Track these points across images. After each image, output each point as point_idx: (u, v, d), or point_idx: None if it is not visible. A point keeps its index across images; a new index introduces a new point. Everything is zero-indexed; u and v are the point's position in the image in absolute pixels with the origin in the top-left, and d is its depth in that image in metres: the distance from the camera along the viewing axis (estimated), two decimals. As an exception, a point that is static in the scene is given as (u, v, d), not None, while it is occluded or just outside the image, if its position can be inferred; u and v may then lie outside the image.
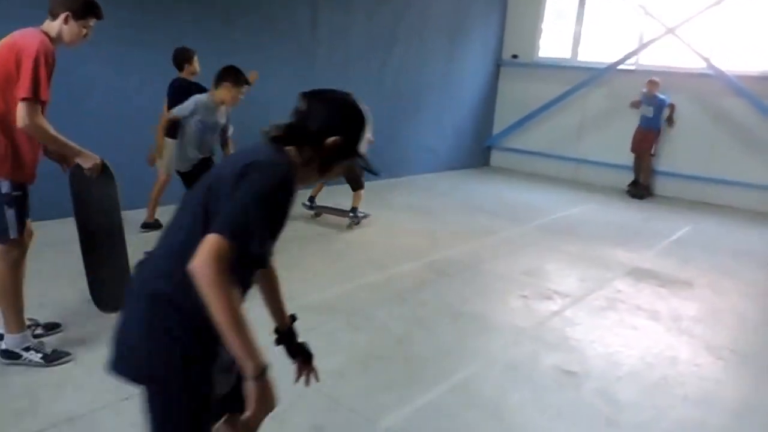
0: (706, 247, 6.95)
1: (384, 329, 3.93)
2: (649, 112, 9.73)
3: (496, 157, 12.23)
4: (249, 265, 1.64)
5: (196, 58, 5.48)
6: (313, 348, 2.05)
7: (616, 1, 10.70)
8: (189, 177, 4.55)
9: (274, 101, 7.57)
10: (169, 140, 5.01)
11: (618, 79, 10.59)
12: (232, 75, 4.42)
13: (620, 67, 10.50)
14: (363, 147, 1.79)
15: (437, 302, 4.52)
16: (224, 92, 4.43)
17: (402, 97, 9.67)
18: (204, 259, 1.39)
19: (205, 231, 1.44)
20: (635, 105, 9.97)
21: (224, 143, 4.97)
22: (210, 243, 1.41)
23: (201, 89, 4.86)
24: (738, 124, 9.53)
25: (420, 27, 9.74)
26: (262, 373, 1.51)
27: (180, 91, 5.06)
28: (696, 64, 9.75)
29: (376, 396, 3.10)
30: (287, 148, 1.66)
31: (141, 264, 1.69)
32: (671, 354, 3.98)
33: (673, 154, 10.02)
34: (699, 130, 9.84)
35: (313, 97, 1.79)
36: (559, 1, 11.48)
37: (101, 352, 1.89)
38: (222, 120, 4.69)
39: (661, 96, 9.59)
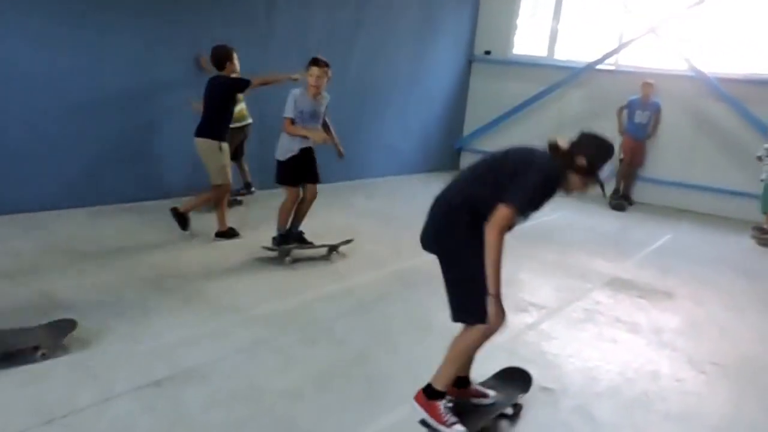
0: (686, 256, 7.09)
1: (343, 344, 3.87)
2: (643, 117, 9.76)
3: (467, 160, 12.27)
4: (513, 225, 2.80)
5: (236, 56, 5.83)
6: (264, 365, 2.01)
7: (595, -3, 10.91)
8: (288, 167, 5.41)
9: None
10: (224, 145, 5.77)
11: (597, 79, 10.79)
12: (311, 61, 5.42)
13: (599, 66, 10.71)
14: (603, 174, 2.90)
15: (402, 315, 4.48)
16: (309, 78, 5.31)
17: (365, 93, 9.63)
18: (498, 221, 2.68)
19: (494, 191, 2.72)
20: (621, 113, 9.92)
21: (326, 129, 5.70)
22: (504, 211, 2.68)
23: (244, 83, 5.72)
24: (719, 128, 9.82)
25: (386, 19, 9.73)
26: (497, 295, 2.74)
27: (223, 88, 5.69)
28: (677, 66, 10.02)
29: (334, 416, 3.03)
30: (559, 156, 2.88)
31: (442, 195, 3.03)
32: (652, 368, 4.02)
33: (654, 160, 10.24)
34: (680, 135, 10.09)
35: (585, 132, 3.06)
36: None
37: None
38: (321, 108, 5.54)
39: (655, 99, 9.75)
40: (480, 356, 3.88)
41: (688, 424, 3.36)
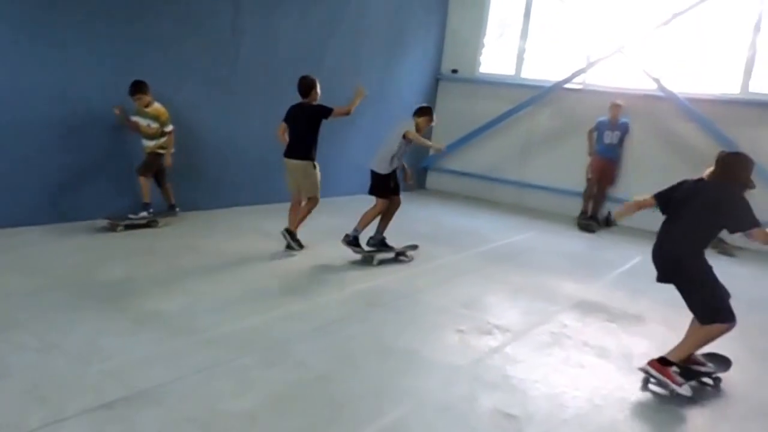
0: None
1: (304, 366, 3.81)
2: (613, 138, 9.84)
3: (433, 179, 12.36)
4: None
5: (318, 85, 6.72)
6: (221, 387, 1.95)
7: (562, 17, 11.14)
8: (387, 181, 6.63)
9: (188, 109, 7.45)
10: (317, 165, 6.74)
11: (565, 98, 10.98)
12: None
13: (567, 85, 10.90)
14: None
15: (365, 336, 4.43)
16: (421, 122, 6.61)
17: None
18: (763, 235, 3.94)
19: (711, 228, 4.18)
20: (591, 135, 10.00)
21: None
22: (759, 231, 3.93)
23: (328, 111, 6.61)
24: (689, 148, 10.03)
25: (354, 35, 9.82)
26: None
27: (310, 114, 6.61)
28: (646, 85, 10.25)
29: (290, 443, 2.96)
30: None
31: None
32: (621, 395, 4.02)
33: (624, 179, 10.40)
34: (650, 154, 10.28)
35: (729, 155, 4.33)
36: (502, 16, 11.86)
37: None
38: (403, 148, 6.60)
39: (624, 119, 9.86)
40: (441, 381, 3.86)
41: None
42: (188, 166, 7.63)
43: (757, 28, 9.61)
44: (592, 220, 10.00)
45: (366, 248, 6.56)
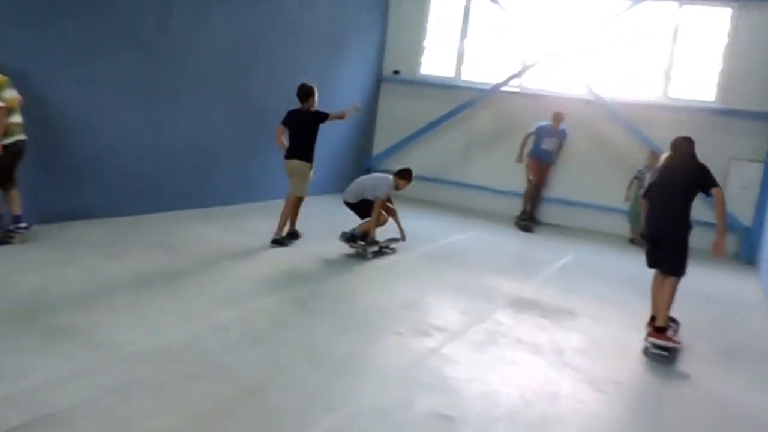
0: (588, 275, 7.27)
1: (233, 378, 3.59)
2: (551, 144, 9.98)
3: (378, 181, 12.26)
4: None
5: (317, 92, 7.05)
6: (139, 405, 1.75)
7: (500, 22, 11.20)
8: (362, 205, 7.10)
9: (111, 113, 6.99)
10: (313, 167, 7.08)
11: (503, 101, 11.05)
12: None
13: (504, 88, 10.97)
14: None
15: (299, 343, 4.26)
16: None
17: (271, 112, 9.36)
18: (721, 195, 4.97)
19: (690, 196, 5.05)
20: (526, 140, 10.00)
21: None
22: (719, 191, 4.92)
23: (324, 116, 7.01)
24: (615, 148, 10.26)
25: (290, 39, 9.58)
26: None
27: (309, 119, 6.95)
28: (578, 90, 10.41)
29: (214, 460, 2.79)
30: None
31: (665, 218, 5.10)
32: (552, 389, 4.00)
33: (557, 181, 10.55)
34: (582, 157, 10.45)
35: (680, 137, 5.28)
36: (442, 19, 11.84)
37: None
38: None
39: (562, 127, 10.02)
40: (377, 385, 3.75)
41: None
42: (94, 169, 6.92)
43: (674, 38, 10.04)
44: (531, 220, 10.10)
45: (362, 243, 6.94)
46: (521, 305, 5.74)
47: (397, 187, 7.18)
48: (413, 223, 9.26)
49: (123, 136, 7.13)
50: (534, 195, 10.25)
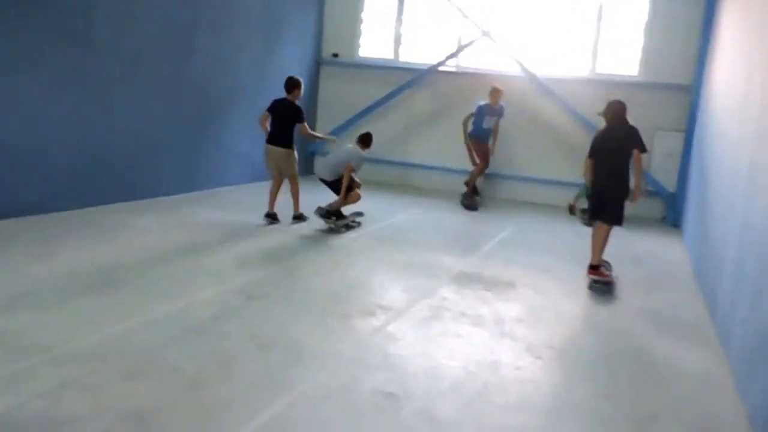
0: (527, 246, 7.38)
1: (172, 373, 3.45)
2: (491, 122, 9.74)
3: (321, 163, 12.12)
4: None
5: (302, 87, 7.57)
6: (72, 408, 1.62)
7: (435, 2, 11.15)
8: (336, 183, 7.46)
9: (40, 106, 6.62)
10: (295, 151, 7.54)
11: (441, 80, 11.04)
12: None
13: (442, 68, 10.96)
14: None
15: (242, 332, 4.15)
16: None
17: (209, 98, 9.15)
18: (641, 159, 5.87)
19: (627, 157, 5.83)
20: (468, 121, 9.83)
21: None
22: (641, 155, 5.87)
23: (301, 118, 7.46)
24: (547, 123, 10.40)
25: (225, 23, 9.29)
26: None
27: (292, 110, 7.41)
28: (512, 68, 10.48)
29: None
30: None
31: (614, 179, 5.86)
32: (493, 359, 4.04)
33: (496, 156, 10.63)
34: (518, 132, 10.55)
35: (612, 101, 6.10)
36: (378, 1, 11.70)
37: None
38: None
39: (502, 103, 9.84)
40: (324, 369, 3.64)
41: (525, 410, 3.39)
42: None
43: (599, 16, 10.23)
44: (474, 195, 10.00)
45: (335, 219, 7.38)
46: (464, 280, 5.78)
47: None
48: (356, 204, 9.21)
49: (54, 128, 6.77)
50: (479, 176, 10.13)
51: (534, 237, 7.97)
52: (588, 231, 8.59)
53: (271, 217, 7.47)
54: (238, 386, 3.38)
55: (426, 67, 11.02)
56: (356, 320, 4.54)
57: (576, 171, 9.61)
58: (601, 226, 5.90)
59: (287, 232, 7.11)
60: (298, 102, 7.51)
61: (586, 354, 4.30)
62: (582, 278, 6.01)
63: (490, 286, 5.67)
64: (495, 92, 9.61)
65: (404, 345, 4.17)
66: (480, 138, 9.82)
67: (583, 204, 9.35)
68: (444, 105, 11.00)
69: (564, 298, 5.49)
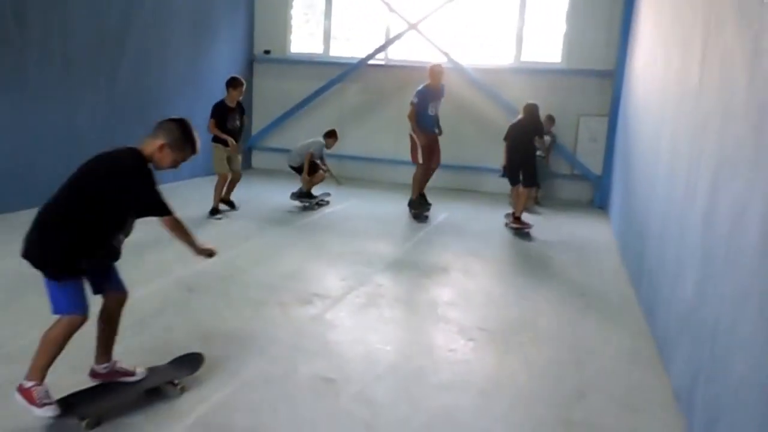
0: (459, 232, 7.56)
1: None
2: (437, 108, 8.16)
3: (258, 158, 12.03)
4: None
5: (241, 89, 7.71)
6: (16, 406, 1.59)
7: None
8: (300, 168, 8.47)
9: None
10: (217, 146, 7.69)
11: (370, 74, 11.11)
12: None
13: (371, 62, 11.03)
14: None
15: (184, 325, 4.14)
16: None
17: (142, 98, 8.93)
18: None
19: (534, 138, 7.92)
20: (414, 112, 7.97)
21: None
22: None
23: (223, 108, 7.63)
24: (476, 112, 10.64)
25: (156, 24, 9.09)
26: None
27: (218, 110, 7.66)
28: (439, 59, 10.62)
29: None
30: None
31: None
32: (427, 342, 4.16)
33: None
34: (447, 121, 10.66)
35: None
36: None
37: None
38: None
39: (442, 83, 8.34)
40: (263, 357, 3.68)
41: (458, 390, 3.50)
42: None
43: (523, 5, 10.49)
44: (425, 204, 8.38)
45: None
46: (399, 266, 5.89)
47: (327, 146, 8.69)
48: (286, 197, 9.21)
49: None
50: (426, 178, 8.37)
51: (466, 223, 8.16)
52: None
53: (228, 204, 7.96)
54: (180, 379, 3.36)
55: (356, 61, 11.06)
56: (294, 309, 4.58)
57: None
58: (521, 189, 7.67)
59: (226, 225, 7.05)
60: (227, 101, 7.70)
61: (516, 334, 4.44)
62: (511, 262, 6.24)
63: (424, 272, 5.79)
64: (438, 70, 8.11)
65: (341, 332, 4.23)
66: (428, 129, 8.15)
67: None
68: (374, 98, 11.09)
69: (494, 281, 5.68)
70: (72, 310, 2.88)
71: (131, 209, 3.06)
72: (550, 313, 4.94)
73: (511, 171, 7.73)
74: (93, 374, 3.22)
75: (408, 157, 8.39)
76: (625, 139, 8.09)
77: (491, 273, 5.91)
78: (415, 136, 8.09)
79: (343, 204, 8.90)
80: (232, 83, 7.67)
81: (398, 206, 9.08)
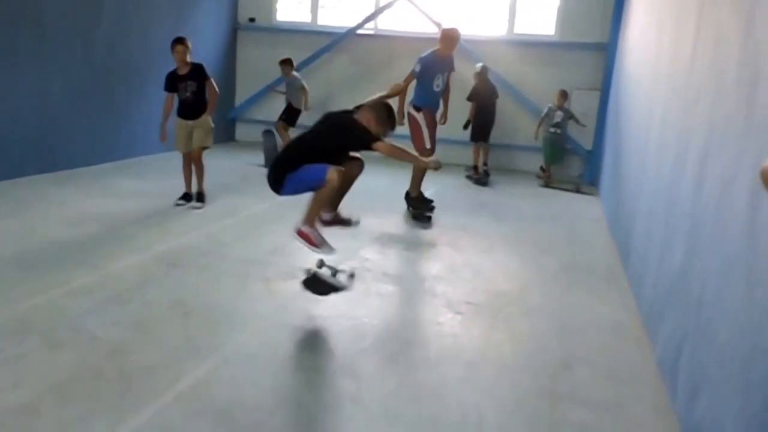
0: (447, 205, 7.56)
1: (94, 342, 3.44)
2: (442, 81, 6.88)
3: (242, 130, 11.96)
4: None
5: (178, 48, 6.56)
6: None
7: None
8: None
9: None
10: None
11: (359, 44, 11.01)
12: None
13: (360, 31, 10.92)
14: None
15: (165, 299, 4.14)
16: None
17: (122, 68, 8.82)
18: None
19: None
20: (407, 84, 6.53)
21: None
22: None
23: (172, 77, 6.68)
24: (468, 84, 10.56)
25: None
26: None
27: (167, 80, 6.73)
28: (430, 29, 10.55)
29: (79, 427, 2.67)
30: None
31: None
32: (413, 316, 4.20)
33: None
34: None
35: None
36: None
37: None
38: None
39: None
40: (246, 332, 3.69)
41: (445, 363, 3.54)
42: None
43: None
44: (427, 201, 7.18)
45: None
46: (386, 240, 5.91)
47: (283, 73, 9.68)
48: (280, 170, 9.17)
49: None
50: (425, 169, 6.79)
51: (453, 197, 8.19)
52: (506, 188, 8.96)
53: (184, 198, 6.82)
54: (162, 352, 3.39)
55: (344, 31, 10.95)
56: (278, 284, 4.60)
57: (503, 132, 9.93)
58: (479, 145, 9.46)
59: (210, 200, 7.02)
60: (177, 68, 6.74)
61: (504, 308, 4.48)
62: (500, 237, 6.28)
63: (411, 246, 5.83)
64: (450, 36, 6.75)
65: (327, 306, 4.25)
66: (433, 107, 6.90)
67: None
68: (363, 69, 11.00)
69: (482, 256, 5.71)
70: (321, 176, 3.97)
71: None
72: (537, 286, 5.00)
73: (478, 128, 9.56)
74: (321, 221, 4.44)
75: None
76: (617, 114, 8.10)
77: (479, 247, 5.94)
78: (418, 114, 6.71)
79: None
80: (171, 45, 6.62)
81: (386, 180, 9.08)
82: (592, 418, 3.04)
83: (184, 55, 6.54)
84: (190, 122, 6.68)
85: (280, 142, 9.34)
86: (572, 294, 4.84)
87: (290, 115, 9.91)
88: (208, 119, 6.76)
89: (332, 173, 3.95)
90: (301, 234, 4.18)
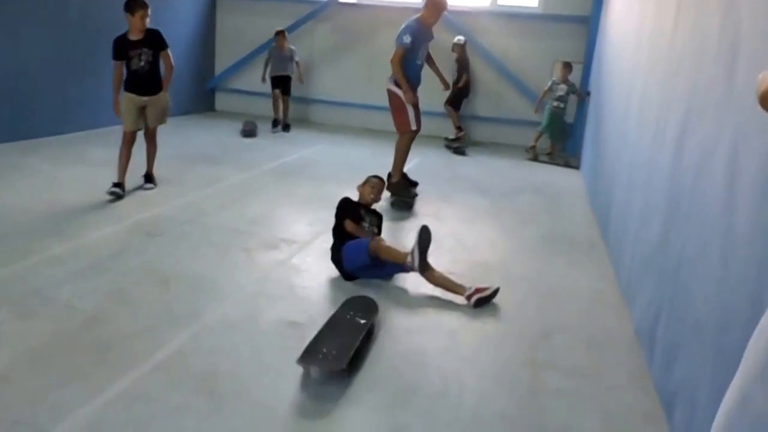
0: (431, 177, 7.55)
1: (69, 311, 3.39)
2: (422, 56, 6.38)
3: (222, 100, 11.78)
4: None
5: (141, 14, 5.60)
6: None
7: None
8: None
9: None
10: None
11: (342, 13, 10.84)
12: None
13: (342, 0, 10.75)
14: None
15: (142, 268, 4.09)
16: None
17: (96, 33, 8.58)
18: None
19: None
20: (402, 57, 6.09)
21: None
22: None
23: (122, 42, 5.72)
24: (451, 55, 10.48)
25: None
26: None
27: (116, 45, 5.75)
28: (413, 0, 10.40)
29: (52, 396, 2.64)
30: None
31: None
32: (396, 286, 4.20)
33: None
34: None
35: None
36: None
37: None
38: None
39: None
40: (227, 301, 3.67)
41: (427, 333, 3.56)
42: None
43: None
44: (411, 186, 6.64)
45: None
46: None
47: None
48: (259, 140, 9.10)
49: None
50: (408, 150, 6.50)
51: (435, 168, 8.17)
52: (489, 160, 8.96)
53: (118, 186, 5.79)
54: (140, 321, 3.36)
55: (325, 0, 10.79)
56: (259, 254, 4.57)
57: (486, 105, 9.87)
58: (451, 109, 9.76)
59: (188, 169, 6.93)
60: (129, 33, 5.83)
61: (485, 278, 4.48)
62: (482, 208, 6.28)
63: (394, 216, 5.81)
64: (437, 4, 6.20)
65: (308, 276, 4.24)
66: (416, 83, 6.41)
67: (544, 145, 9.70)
68: (346, 38, 10.86)
69: (465, 226, 5.71)
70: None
71: None
72: (519, 257, 5.02)
73: (458, 99, 9.81)
74: None
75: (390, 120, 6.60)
76: (599, 86, 8.10)
77: (462, 218, 5.95)
78: (400, 91, 6.21)
79: (310, 149, 8.81)
80: (129, 8, 5.64)
81: (369, 151, 9.05)
82: (571, 384, 3.08)
83: (144, 23, 5.66)
84: (144, 98, 5.81)
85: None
86: (552, 264, 4.88)
87: (287, 85, 10.09)
88: (166, 96, 6.00)
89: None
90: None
